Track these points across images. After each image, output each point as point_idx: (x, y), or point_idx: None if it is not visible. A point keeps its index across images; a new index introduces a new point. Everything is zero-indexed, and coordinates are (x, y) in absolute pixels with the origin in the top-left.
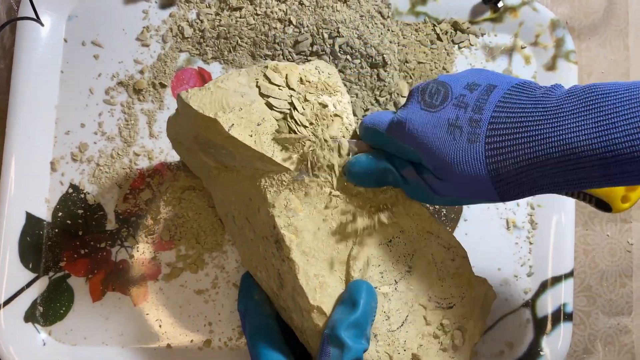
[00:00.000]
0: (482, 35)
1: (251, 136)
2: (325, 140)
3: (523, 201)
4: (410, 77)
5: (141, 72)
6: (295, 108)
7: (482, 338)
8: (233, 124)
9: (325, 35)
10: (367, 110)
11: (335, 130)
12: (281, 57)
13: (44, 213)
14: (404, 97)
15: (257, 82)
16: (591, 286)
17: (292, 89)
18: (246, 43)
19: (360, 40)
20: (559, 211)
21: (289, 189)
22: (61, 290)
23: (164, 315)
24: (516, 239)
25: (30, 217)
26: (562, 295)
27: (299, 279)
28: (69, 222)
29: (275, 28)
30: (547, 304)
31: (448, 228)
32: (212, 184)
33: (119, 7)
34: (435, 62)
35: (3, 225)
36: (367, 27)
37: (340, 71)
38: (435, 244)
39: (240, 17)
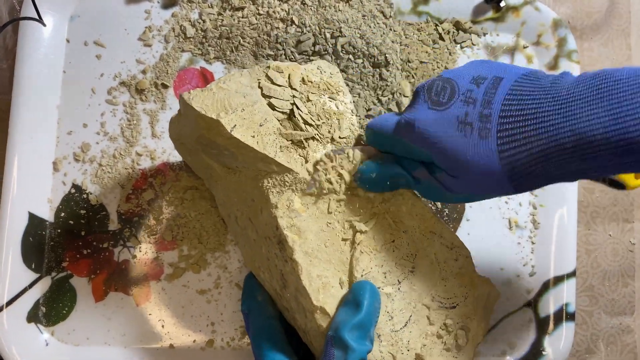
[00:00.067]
0: (485, 34)
1: (253, 137)
2: (333, 139)
3: (525, 201)
4: (413, 77)
5: (143, 72)
6: (298, 108)
7: (485, 338)
8: (235, 125)
9: (328, 35)
10: (369, 110)
11: (345, 130)
12: (283, 57)
13: (47, 213)
14: (407, 96)
15: (260, 82)
16: (593, 286)
17: (295, 89)
18: (248, 43)
19: (363, 40)
20: (561, 211)
21: (291, 190)
22: (64, 290)
23: (166, 316)
24: (518, 239)
25: (32, 218)
26: (565, 295)
27: (302, 280)
28: (71, 222)
29: (278, 28)
30: (550, 304)
31: (450, 228)
32: (215, 184)
33: (121, 7)
34: (437, 62)
35: (6, 226)
36: (370, 26)
37: (342, 71)
38: (438, 244)
39: (242, 17)
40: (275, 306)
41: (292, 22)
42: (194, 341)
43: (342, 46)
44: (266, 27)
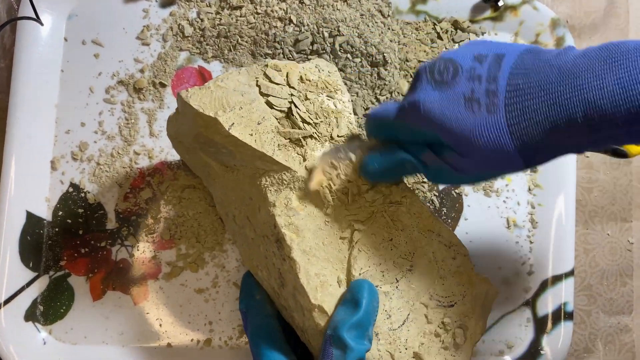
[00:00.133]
0: (483, 34)
1: (251, 135)
2: (332, 138)
3: (524, 200)
4: (411, 76)
5: (141, 71)
6: (296, 106)
7: (482, 336)
8: (233, 123)
9: (326, 34)
10: (367, 109)
11: (343, 128)
12: (281, 55)
13: (45, 212)
14: (405, 95)
15: (257, 81)
16: (591, 285)
17: (293, 88)
18: (246, 42)
19: (361, 39)
20: (559, 210)
21: (289, 188)
22: (61, 289)
23: (164, 314)
24: (517, 238)
25: (30, 216)
26: (563, 294)
27: (299, 278)
28: (69, 221)
29: (276, 27)
30: (548, 303)
31: (449, 227)
32: (212, 183)
33: (119, 6)
34: None
35: (3, 224)
36: (368, 25)
37: (340, 70)
38: (437, 243)
39: (240, 16)
40: (273, 305)
41: (290, 21)
42: (192, 340)
43: (340, 45)
44: (264, 26)
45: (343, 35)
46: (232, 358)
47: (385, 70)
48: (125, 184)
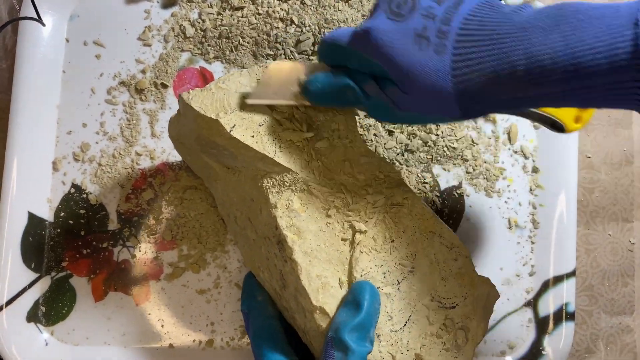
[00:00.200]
0: None
1: (253, 137)
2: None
3: (525, 201)
4: None
5: (143, 71)
6: (297, 108)
7: (484, 338)
8: (235, 125)
9: None
10: None
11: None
12: (283, 56)
13: (46, 213)
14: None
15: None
16: (593, 285)
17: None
18: (248, 42)
19: None
20: (560, 211)
21: (290, 190)
22: (63, 290)
23: (166, 315)
24: (518, 239)
25: (32, 217)
26: (564, 294)
27: (301, 280)
28: (71, 222)
29: (277, 27)
30: (549, 304)
31: (450, 228)
32: (214, 184)
33: (120, 6)
34: None
35: (5, 226)
36: None
37: None
38: (438, 244)
39: (242, 17)
40: (275, 306)
41: (292, 21)
42: (194, 341)
43: None
44: (266, 26)
45: None
46: (234, 359)
47: None
48: (127, 185)
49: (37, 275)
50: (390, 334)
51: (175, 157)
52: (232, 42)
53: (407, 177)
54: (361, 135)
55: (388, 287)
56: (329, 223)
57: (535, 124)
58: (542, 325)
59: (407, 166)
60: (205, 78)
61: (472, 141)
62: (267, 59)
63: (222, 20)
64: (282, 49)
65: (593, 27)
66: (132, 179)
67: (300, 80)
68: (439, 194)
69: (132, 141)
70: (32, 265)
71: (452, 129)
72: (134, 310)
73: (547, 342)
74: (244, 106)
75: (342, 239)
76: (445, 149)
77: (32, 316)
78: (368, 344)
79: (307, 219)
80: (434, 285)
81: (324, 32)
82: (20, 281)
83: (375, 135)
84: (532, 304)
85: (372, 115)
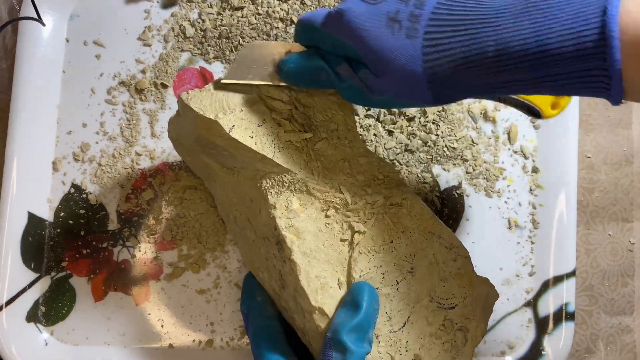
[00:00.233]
0: None
1: (252, 137)
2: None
3: (525, 201)
4: None
5: (143, 71)
6: (297, 108)
7: (483, 338)
8: (234, 126)
9: None
10: (369, 109)
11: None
12: None
13: (46, 213)
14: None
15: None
16: (593, 286)
17: (293, 89)
18: (247, 42)
19: None
20: (560, 211)
21: (290, 190)
22: (63, 290)
23: (166, 315)
24: (518, 239)
25: (32, 217)
26: (564, 294)
27: (300, 280)
28: (71, 222)
29: (277, 27)
30: (549, 304)
31: (450, 229)
32: (214, 184)
33: (120, 6)
34: None
35: (5, 226)
36: None
37: None
38: (437, 244)
39: (242, 17)
40: (274, 306)
41: (292, 21)
42: (194, 341)
43: None
44: (265, 26)
45: None
46: (234, 359)
47: None
48: (127, 185)
49: (36, 275)
50: (389, 335)
51: (175, 157)
52: (232, 42)
53: (407, 177)
54: (361, 135)
55: (387, 288)
56: (328, 223)
57: (535, 123)
58: (542, 325)
59: (407, 166)
60: (205, 78)
61: (472, 141)
62: None
63: (222, 20)
64: None
65: (562, 14)
66: (132, 179)
67: (275, 60)
68: (438, 194)
69: (132, 141)
70: (32, 265)
71: (451, 129)
72: (134, 310)
73: (547, 342)
74: (219, 86)
75: (341, 240)
76: (445, 149)
77: (31, 316)
78: (366, 344)
79: (306, 219)
80: (433, 286)
81: None
82: (20, 281)
83: (375, 135)
84: (532, 304)
85: (346, 97)
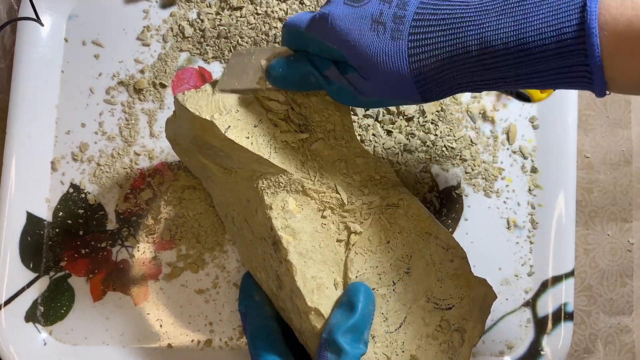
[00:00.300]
0: None
1: (248, 138)
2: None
3: (524, 201)
4: None
5: (142, 71)
6: (293, 109)
7: (481, 339)
8: (230, 126)
9: None
10: (367, 109)
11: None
12: None
13: (45, 213)
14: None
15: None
16: (592, 286)
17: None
18: (247, 43)
19: None
20: (559, 211)
21: (286, 191)
22: (62, 290)
23: (164, 315)
24: (517, 239)
25: (30, 217)
26: (563, 294)
27: (296, 281)
28: (69, 221)
29: (276, 27)
30: (548, 304)
31: (449, 229)
32: (211, 184)
33: (119, 6)
34: None
35: (4, 225)
36: None
37: None
38: (434, 245)
39: (240, 17)
40: (272, 306)
41: None
42: (192, 341)
43: None
44: (264, 26)
45: None
46: (233, 359)
47: None
48: (126, 185)
49: (35, 275)
50: (386, 335)
51: (173, 157)
52: (231, 42)
53: (405, 177)
54: (359, 135)
55: (383, 289)
56: (324, 224)
57: (535, 123)
58: (540, 325)
59: (405, 166)
60: (204, 78)
61: (471, 141)
62: None
63: (220, 20)
64: None
65: (542, 11)
66: (130, 178)
67: (262, 65)
68: (437, 194)
69: (130, 141)
70: (31, 265)
71: (450, 129)
72: (133, 310)
73: (546, 342)
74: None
75: (338, 240)
76: (443, 149)
77: (30, 316)
78: (362, 345)
79: (302, 219)
80: (429, 287)
81: None
82: (18, 281)
83: (373, 135)
84: (531, 304)
85: (335, 99)
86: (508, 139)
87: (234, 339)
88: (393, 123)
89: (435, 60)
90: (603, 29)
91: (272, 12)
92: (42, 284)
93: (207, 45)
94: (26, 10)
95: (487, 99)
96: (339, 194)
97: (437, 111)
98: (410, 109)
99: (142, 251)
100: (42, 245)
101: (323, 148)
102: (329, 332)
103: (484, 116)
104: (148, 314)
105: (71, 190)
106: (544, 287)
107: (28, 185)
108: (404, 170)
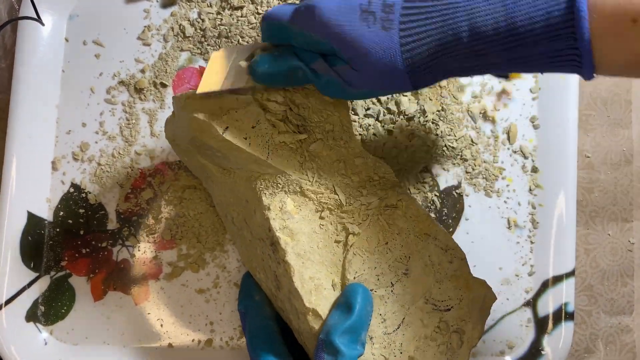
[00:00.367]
0: None
1: (246, 139)
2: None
3: (524, 201)
4: None
5: (142, 71)
6: (291, 109)
7: (480, 340)
8: (227, 127)
9: None
10: (368, 109)
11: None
12: None
13: (46, 212)
14: (405, 95)
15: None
16: (592, 285)
17: (288, 90)
18: (247, 42)
19: None
20: (560, 211)
21: (284, 191)
22: (62, 289)
23: (165, 315)
24: (517, 238)
25: (31, 217)
26: (564, 294)
27: (294, 282)
28: (70, 221)
29: None
30: (549, 304)
31: (450, 228)
32: (211, 185)
33: (120, 6)
34: None
35: (4, 225)
36: None
37: None
38: (433, 246)
39: (241, 16)
40: (272, 306)
41: None
42: (193, 340)
43: None
44: None
45: None
46: (233, 358)
47: None
48: (126, 185)
49: (36, 274)
50: (384, 337)
51: (174, 156)
52: (232, 42)
53: (406, 177)
54: (360, 135)
55: (381, 290)
56: (322, 225)
57: (536, 123)
58: (541, 325)
59: (406, 166)
60: None
61: (472, 141)
62: None
63: (221, 19)
64: None
65: None
66: (131, 178)
67: (243, 64)
68: (438, 194)
69: (131, 141)
70: (31, 265)
71: (451, 129)
72: (133, 310)
73: (547, 342)
74: (194, 98)
75: (336, 241)
76: (444, 148)
77: (31, 316)
78: (359, 347)
79: (300, 220)
80: (428, 288)
81: None
82: (19, 280)
83: (374, 134)
84: (532, 303)
85: (324, 92)
86: (509, 138)
87: (235, 338)
88: (394, 123)
89: (428, 49)
90: (592, 11)
91: None
92: (43, 284)
93: (208, 44)
94: (27, 10)
95: (488, 98)
96: (337, 194)
97: (438, 111)
98: (411, 109)
99: (143, 251)
100: (42, 245)
101: (321, 149)
102: (326, 333)
103: (485, 116)
104: (149, 313)
105: (72, 189)
106: (544, 286)
107: (29, 185)
108: (405, 170)
